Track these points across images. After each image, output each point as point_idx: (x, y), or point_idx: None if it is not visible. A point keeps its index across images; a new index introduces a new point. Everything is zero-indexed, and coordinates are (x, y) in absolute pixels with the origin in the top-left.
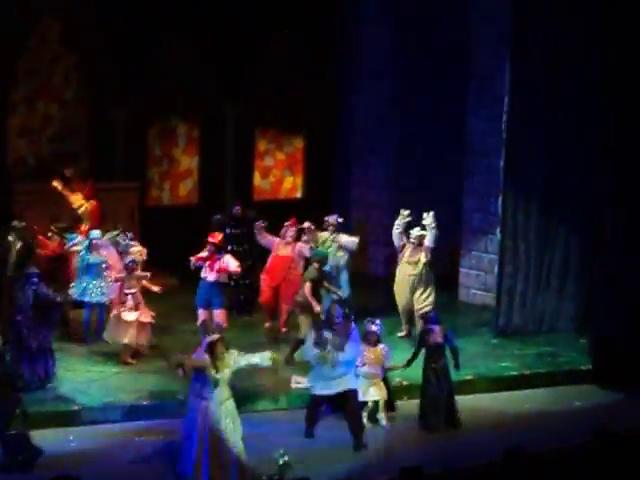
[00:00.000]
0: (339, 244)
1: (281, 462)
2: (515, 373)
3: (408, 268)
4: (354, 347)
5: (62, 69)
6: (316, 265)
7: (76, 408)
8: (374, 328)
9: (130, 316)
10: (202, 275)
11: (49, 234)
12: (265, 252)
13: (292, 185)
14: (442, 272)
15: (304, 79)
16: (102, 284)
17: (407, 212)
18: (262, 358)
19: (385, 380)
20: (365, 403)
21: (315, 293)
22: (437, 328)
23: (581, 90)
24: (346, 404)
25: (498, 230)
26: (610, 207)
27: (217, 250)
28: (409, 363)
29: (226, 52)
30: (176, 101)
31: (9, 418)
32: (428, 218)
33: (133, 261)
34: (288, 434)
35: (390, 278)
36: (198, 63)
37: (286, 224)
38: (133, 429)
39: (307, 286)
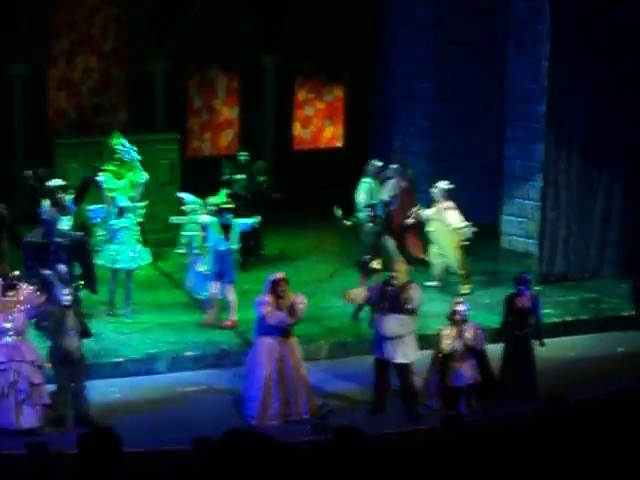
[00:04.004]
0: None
1: (324, 410)
2: (558, 320)
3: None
4: None
5: (101, 21)
6: None
7: (119, 360)
8: (461, 308)
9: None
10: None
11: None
12: None
13: (332, 134)
14: (484, 219)
15: (343, 28)
16: (129, 250)
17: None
18: None
19: (485, 360)
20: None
21: None
22: (528, 292)
23: (624, 35)
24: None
25: (540, 177)
26: None
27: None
28: (500, 335)
29: (264, 1)
30: (215, 52)
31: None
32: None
33: None
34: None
35: None
36: (236, 13)
37: None
38: (176, 380)
39: None
